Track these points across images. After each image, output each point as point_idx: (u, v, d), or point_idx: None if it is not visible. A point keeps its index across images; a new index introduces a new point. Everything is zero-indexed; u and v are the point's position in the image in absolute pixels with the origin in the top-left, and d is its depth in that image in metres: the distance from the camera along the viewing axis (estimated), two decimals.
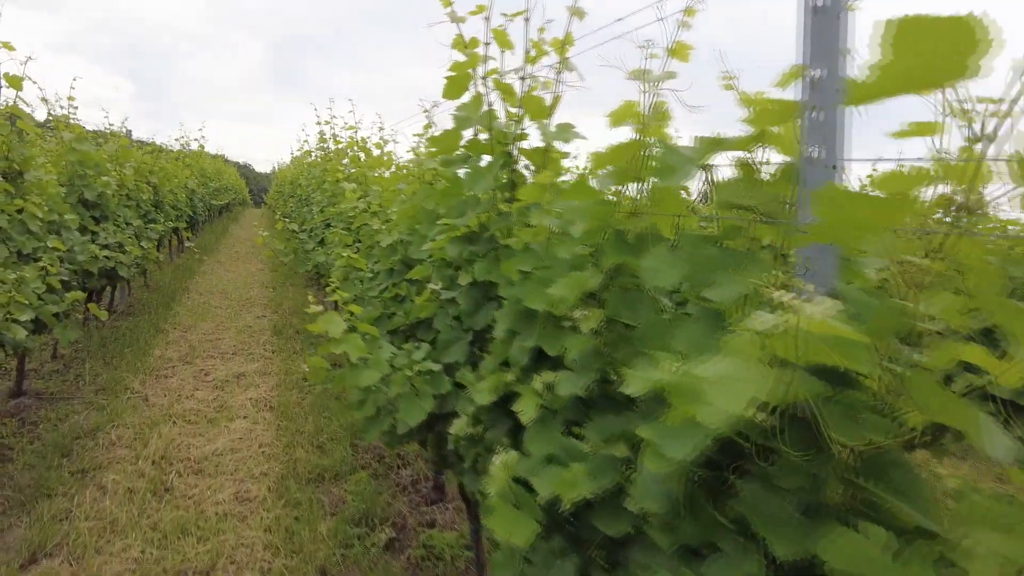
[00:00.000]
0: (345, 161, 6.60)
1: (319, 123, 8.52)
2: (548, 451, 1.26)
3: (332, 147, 8.04)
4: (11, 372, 4.84)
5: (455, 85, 2.59)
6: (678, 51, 1.32)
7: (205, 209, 14.51)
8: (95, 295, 6.15)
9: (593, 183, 1.41)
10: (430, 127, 3.20)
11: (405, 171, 4.19)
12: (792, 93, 0.95)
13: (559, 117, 2.20)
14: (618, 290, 1.38)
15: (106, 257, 5.30)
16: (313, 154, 10.29)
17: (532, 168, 2.29)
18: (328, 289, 3.03)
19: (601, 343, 1.38)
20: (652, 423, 0.89)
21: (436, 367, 2.17)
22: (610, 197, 1.38)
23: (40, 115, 6.07)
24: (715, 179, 1.13)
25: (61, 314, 4.02)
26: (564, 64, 2.12)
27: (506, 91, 2.19)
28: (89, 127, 7.98)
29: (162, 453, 3.86)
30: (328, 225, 7.39)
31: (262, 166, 66.98)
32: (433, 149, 2.67)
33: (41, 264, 3.90)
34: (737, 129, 1.05)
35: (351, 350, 2.14)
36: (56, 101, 5.78)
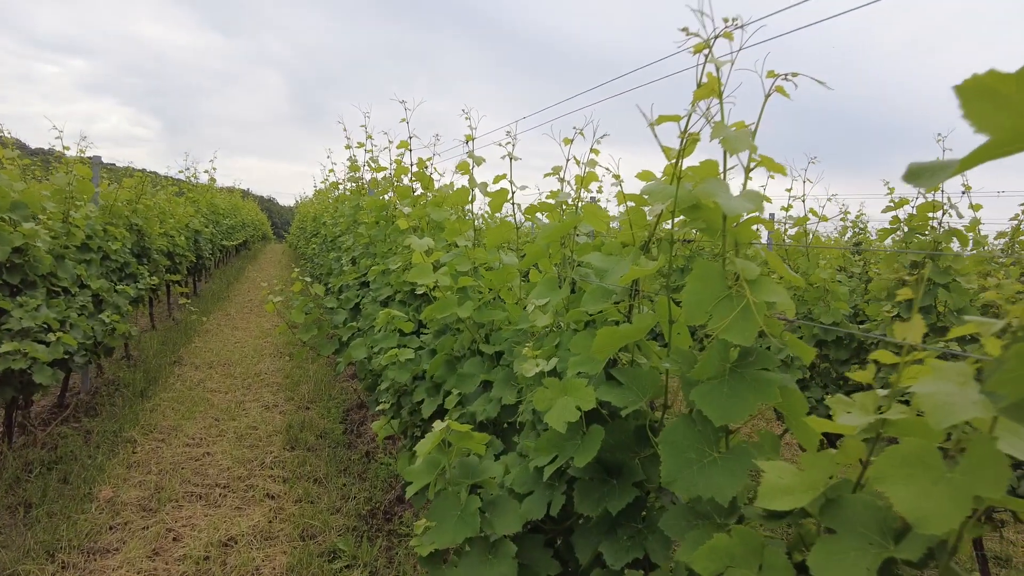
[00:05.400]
0: (390, 194, 4.57)
1: (349, 147, 6.57)
2: None
3: (368, 176, 6.05)
4: None
5: None
6: None
7: (215, 251, 12.63)
8: (21, 396, 4.12)
9: None
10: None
11: (538, 222, 2.11)
12: None
13: None
14: None
15: (13, 354, 3.27)
16: (341, 186, 8.34)
17: None
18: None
19: None
20: None
21: None
22: None
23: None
24: None
25: None
26: None
27: None
28: (103, 155, 6.10)
29: None
30: (365, 284, 5.34)
31: (287, 199, 66.42)
32: None
33: None
34: None
35: None
36: None
